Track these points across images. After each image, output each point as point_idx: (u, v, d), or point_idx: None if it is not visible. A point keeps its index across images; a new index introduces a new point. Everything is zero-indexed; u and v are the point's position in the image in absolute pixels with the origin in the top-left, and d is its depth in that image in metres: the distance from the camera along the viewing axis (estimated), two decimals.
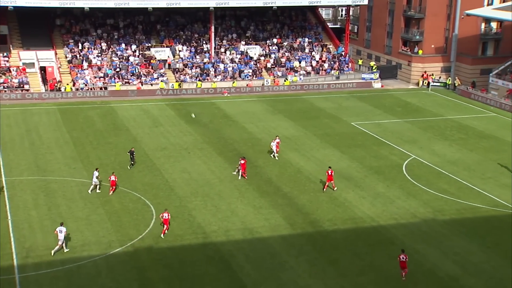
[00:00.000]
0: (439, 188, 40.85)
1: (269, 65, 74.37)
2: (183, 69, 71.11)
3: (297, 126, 55.44)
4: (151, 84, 68.03)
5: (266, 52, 76.49)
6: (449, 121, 58.79)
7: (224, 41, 76.68)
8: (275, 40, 78.47)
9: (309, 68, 74.86)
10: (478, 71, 74.68)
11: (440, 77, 75.47)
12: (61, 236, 30.30)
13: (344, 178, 42.08)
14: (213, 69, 71.75)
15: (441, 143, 51.37)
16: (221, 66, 72.52)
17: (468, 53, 75.32)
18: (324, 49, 79.03)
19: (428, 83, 74.13)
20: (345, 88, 72.52)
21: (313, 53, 77.67)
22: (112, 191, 37.74)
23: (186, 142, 49.42)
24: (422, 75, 75.43)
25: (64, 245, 30.67)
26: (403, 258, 29.37)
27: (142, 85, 67.68)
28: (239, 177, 41.03)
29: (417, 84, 75.56)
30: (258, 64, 74.24)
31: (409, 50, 78.04)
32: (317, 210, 36.77)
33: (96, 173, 38.07)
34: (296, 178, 41.94)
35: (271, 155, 45.33)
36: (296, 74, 73.55)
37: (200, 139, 50.39)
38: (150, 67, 70.51)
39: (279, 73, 73.32)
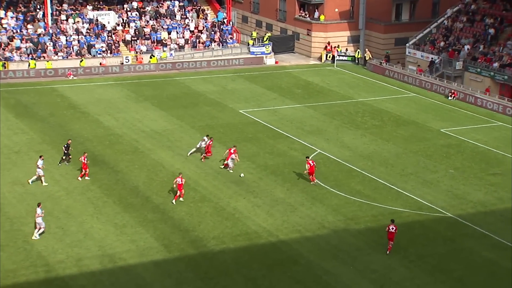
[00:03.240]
0: (351, 189, 42.35)
1: (128, 37, 73.51)
2: (8, 44, 68.73)
3: (169, 116, 55.35)
4: None
5: (123, 19, 75.50)
6: (360, 104, 61.16)
7: (65, 5, 74.88)
8: (135, 4, 77.66)
9: (182, 41, 74.84)
10: (392, 41, 78.17)
11: (347, 50, 78.21)
12: (38, 220, 35.07)
13: (232, 182, 42.49)
14: (52, 44, 69.87)
15: (351, 132, 53.29)
16: (63, 39, 70.82)
17: (379, 19, 78.53)
18: (201, 16, 79.33)
19: (333, 57, 76.62)
20: (229, 65, 73.23)
21: (186, 20, 77.71)
22: (83, 176, 42.15)
23: (18, 144, 48.07)
24: (325, 47, 77.79)
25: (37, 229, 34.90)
26: (392, 228, 33.61)
27: None
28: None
29: (320, 58, 77.85)
30: (113, 36, 73.15)
31: (308, 15, 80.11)
32: (199, 225, 36.92)
33: (40, 162, 41.07)
34: (170, 184, 41.77)
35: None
36: (165, 49, 73.26)
37: (37, 139, 49.16)
38: None
39: (143, 48, 72.70)
